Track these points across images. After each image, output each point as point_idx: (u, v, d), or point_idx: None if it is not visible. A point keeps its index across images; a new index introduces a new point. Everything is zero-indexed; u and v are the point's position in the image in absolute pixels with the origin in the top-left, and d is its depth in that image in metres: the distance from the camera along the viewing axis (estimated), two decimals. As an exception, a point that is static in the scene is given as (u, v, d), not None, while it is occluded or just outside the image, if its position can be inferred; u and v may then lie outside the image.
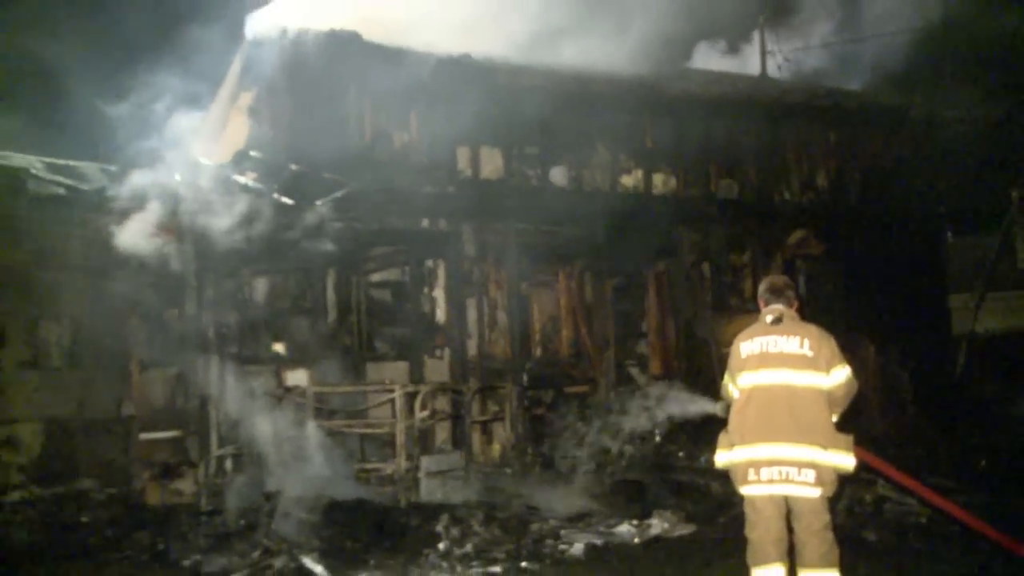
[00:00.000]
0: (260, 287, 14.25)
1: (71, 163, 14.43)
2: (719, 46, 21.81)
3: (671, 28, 17.24)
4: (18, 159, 14.17)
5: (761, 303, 7.20)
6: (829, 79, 22.64)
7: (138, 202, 12.08)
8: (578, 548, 9.63)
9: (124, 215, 12.08)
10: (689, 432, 12.63)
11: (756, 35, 23.08)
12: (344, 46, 14.39)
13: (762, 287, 7.31)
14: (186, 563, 9.24)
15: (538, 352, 15.53)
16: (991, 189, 19.09)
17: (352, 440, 12.24)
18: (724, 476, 7.24)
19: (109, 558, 9.72)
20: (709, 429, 7.89)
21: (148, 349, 12.74)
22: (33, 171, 13.55)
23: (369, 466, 12.06)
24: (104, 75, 13.69)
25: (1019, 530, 8.49)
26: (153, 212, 12.10)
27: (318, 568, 8.45)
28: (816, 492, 6.65)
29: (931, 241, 18.56)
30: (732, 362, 7.10)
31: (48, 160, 14.43)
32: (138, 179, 12.41)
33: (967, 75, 20.31)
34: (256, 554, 9.18)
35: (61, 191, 13.06)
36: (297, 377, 12.99)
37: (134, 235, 12.17)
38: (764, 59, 23.02)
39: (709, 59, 21.13)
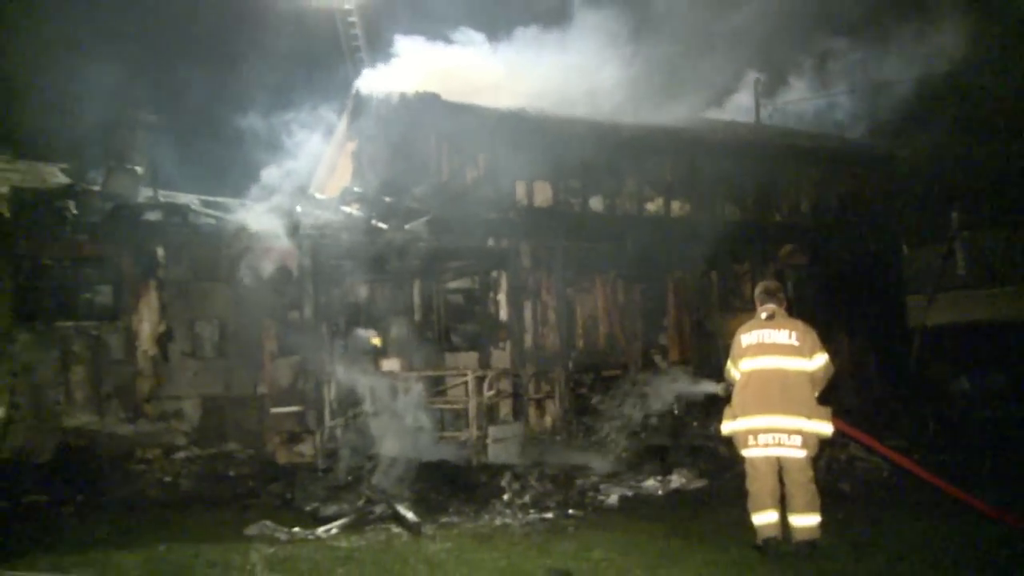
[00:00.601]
0: (362, 293, 14.37)
1: (218, 199, 14.70)
2: (724, 98, 21.76)
3: (683, 84, 17.23)
4: (182, 197, 14.50)
5: (757, 303, 7.19)
6: (811, 125, 22.53)
7: (268, 228, 12.30)
8: (613, 498, 9.63)
9: (258, 239, 12.31)
10: (701, 406, 12.54)
11: (753, 89, 23.07)
12: (427, 104, 14.56)
13: (758, 290, 7.31)
14: (307, 509, 9.31)
15: (580, 344, 15.49)
16: (937, 211, 18.97)
17: (434, 413, 12.25)
18: (729, 441, 7.24)
19: (250, 504, 9.85)
20: (717, 404, 7.87)
21: (277, 342, 12.92)
22: (192, 206, 13.85)
23: (448, 434, 12.05)
24: (243, 128, 14.01)
25: (960, 478, 8.46)
26: (280, 236, 12.31)
27: (409, 514, 8.46)
28: (802, 453, 6.65)
29: (891, 252, 18.41)
30: (734, 350, 7.10)
31: (203, 197, 14.75)
32: (268, 210, 12.65)
33: (924, 121, 20.10)
34: (361, 503, 9.22)
35: (212, 221, 13.29)
36: (391, 364, 13.04)
37: (266, 254, 12.39)
38: (758, 110, 23.01)
39: (713, 109, 21.09)
